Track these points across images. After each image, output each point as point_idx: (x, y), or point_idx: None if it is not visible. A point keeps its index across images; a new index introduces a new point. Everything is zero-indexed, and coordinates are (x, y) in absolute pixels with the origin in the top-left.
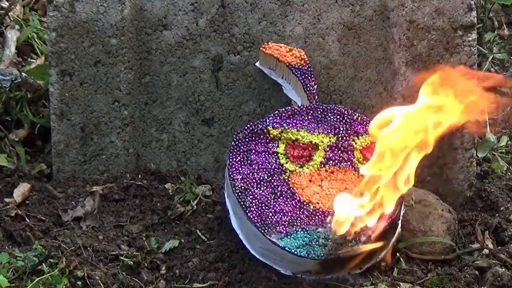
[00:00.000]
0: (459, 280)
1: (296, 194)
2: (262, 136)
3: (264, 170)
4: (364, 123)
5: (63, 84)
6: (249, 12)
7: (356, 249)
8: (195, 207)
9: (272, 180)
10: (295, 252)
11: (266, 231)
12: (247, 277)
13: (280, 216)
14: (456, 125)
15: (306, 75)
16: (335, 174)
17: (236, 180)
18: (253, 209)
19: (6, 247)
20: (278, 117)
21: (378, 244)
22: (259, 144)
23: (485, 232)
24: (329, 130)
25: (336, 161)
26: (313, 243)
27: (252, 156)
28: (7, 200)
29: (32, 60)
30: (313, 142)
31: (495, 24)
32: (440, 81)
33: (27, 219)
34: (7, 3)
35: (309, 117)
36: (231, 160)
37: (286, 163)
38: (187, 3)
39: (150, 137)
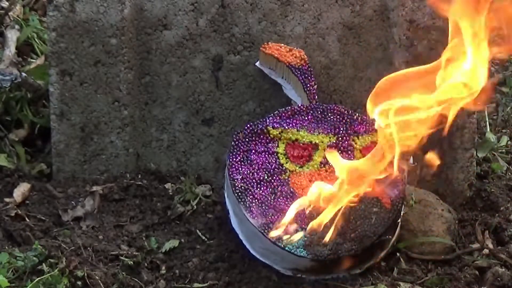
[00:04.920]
0: (459, 280)
1: (296, 194)
2: (262, 136)
3: (264, 170)
4: (364, 123)
5: (63, 84)
6: (249, 12)
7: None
8: (195, 207)
9: (272, 180)
10: (295, 252)
11: (266, 231)
12: (247, 277)
13: (280, 216)
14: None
15: (306, 75)
16: (335, 174)
17: (236, 180)
18: (253, 209)
19: (6, 247)
20: (278, 117)
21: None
22: (259, 144)
23: (485, 232)
24: (329, 130)
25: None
26: (313, 243)
27: (252, 156)
28: (7, 200)
29: (32, 60)
30: (313, 142)
31: None
32: None
33: (27, 219)
34: (7, 3)
35: (309, 117)
36: (231, 160)
37: (286, 163)
38: (187, 3)
39: (150, 137)
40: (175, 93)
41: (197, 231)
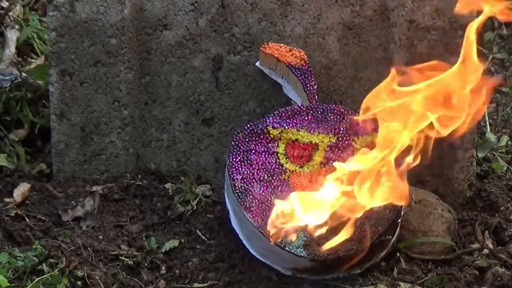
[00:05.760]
0: (459, 280)
1: None
2: (262, 136)
3: (264, 170)
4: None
5: (63, 84)
6: (249, 12)
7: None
8: (195, 207)
9: (272, 180)
10: (295, 252)
11: (266, 231)
12: (247, 277)
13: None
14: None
15: (306, 75)
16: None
17: (236, 180)
18: (253, 209)
19: (6, 247)
20: (278, 117)
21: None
22: (259, 144)
23: (485, 232)
24: (329, 130)
25: (336, 161)
26: (313, 243)
27: (252, 156)
28: (7, 200)
29: (32, 60)
30: (313, 142)
31: (495, 24)
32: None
33: (27, 219)
34: (7, 3)
35: (309, 117)
36: (231, 160)
37: (286, 163)
38: (187, 3)
39: (150, 137)
40: (175, 93)
41: (197, 231)
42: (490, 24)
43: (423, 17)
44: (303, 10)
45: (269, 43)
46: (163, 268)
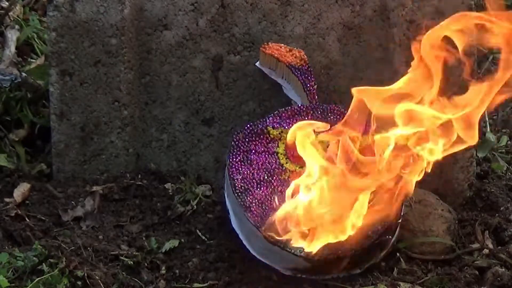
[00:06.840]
0: (459, 280)
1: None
2: (262, 136)
3: (264, 170)
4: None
5: (63, 84)
6: (249, 12)
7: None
8: (195, 207)
9: (272, 180)
10: (295, 252)
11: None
12: (247, 277)
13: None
14: None
15: (306, 75)
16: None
17: (236, 180)
18: (253, 209)
19: (6, 247)
20: (278, 117)
21: None
22: (259, 144)
23: (485, 232)
24: None
25: None
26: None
27: (252, 156)
28: (7, 200)
29: (32, 60)
30: None
31: None
32: None
33: (27, 219)
34: (7, 3)
35: (309, 117)
36: (231, 160)
37: (286, 163)
38: (187, 3)
39: (150, 137)
40: (175, 93)
41: (197, 231)
42: None
43: (423, 17)
44: (303, 10)
45: (269, 43)
46: (163, 268)
